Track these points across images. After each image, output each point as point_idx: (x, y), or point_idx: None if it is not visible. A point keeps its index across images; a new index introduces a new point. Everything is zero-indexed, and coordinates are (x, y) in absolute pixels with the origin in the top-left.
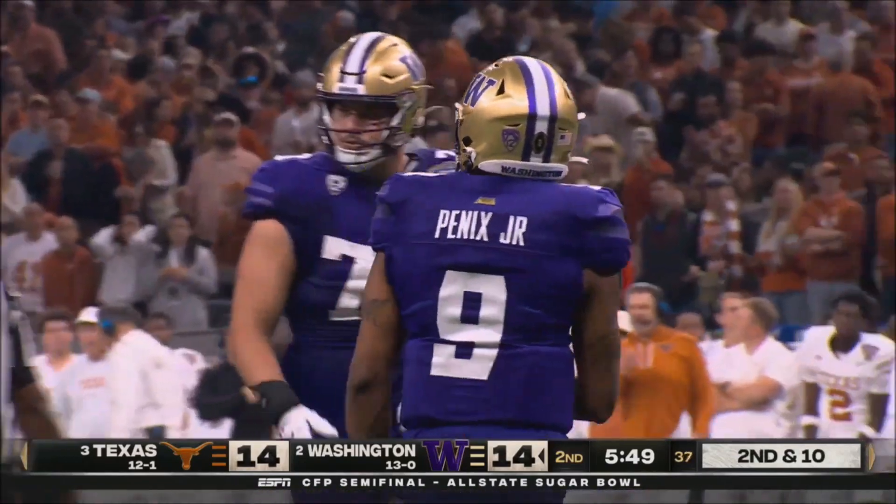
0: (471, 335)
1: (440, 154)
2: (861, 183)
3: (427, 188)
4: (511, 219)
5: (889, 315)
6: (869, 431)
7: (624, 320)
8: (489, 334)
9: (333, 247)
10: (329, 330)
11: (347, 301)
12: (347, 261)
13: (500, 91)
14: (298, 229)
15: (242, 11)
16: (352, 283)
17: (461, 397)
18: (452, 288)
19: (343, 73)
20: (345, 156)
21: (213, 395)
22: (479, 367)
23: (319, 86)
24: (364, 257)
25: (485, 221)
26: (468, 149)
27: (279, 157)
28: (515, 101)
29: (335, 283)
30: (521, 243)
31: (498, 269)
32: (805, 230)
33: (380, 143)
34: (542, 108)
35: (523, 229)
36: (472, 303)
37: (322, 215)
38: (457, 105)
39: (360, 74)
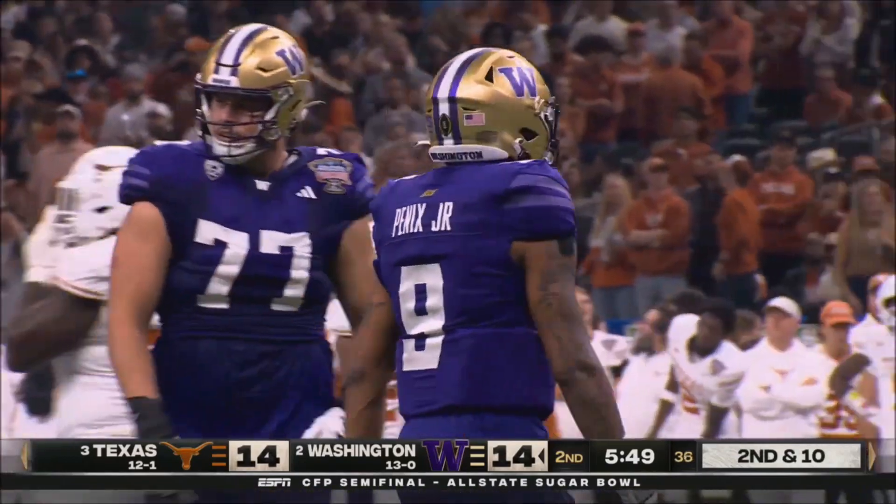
0: (422, 326)
1: (321, 150)
2: (690, 178)
3: (395, 191)
4: (440, 206)
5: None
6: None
7: None
8: (435, 323)
9: (207, 231)
10: (196, 319)
11: (217, 287)
12: (220, 245)
13: None
14: (173, 213)
15: (71, 5)
16: (222, 269)
17: (421, 389)
18: (406, 283)
19: (218, 64)
20: (219, 148)
21: (42, 389)
22: (431, 357)
23: (198, 76)
24: (237, 243)
25: (420, 213)
26: None
27: (158, 143)
28: (429, 90)
29: (206, 268)
30: (448, 228)
31: (433, 257)
32: (632, 227)
33: (254, 136)
34: (442, 91)
35: (449, 214)
36: (420, 295)
37: (197, 199)
38: None
39: (234, 67)
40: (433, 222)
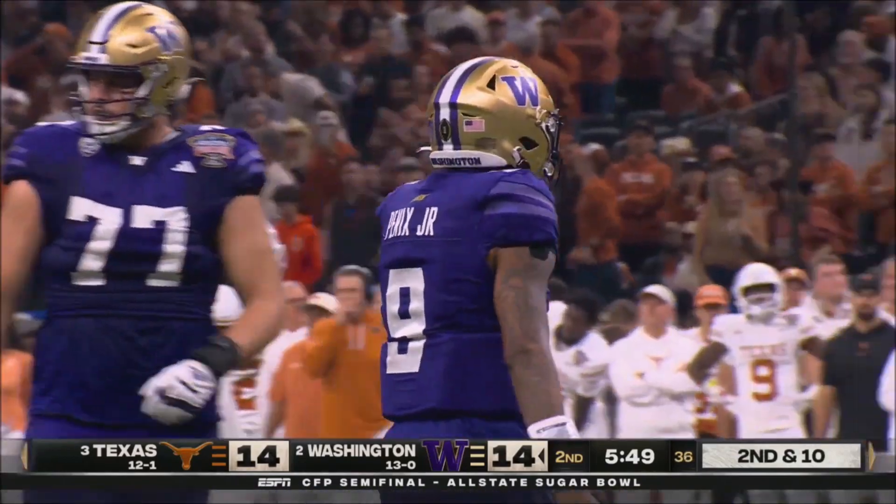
0: (405, 330)
1: (204, 127)
2: None
3: (395, 194)
4: (427, 211)
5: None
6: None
7: (331, 303)
8: (416, 327)
9: (79, 207)
10: (73, 297)
11: (90, 263)
12: (92, 221)
13: None
14: (48, 191)
15: None
16: (94, 245)
17: (403, 392)
18: (393, 286)
19: (89, 42)
20: (93, 126)
21: None
22: (412, 361)
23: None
24: (109, 219)
25: (408, 216)
26: None
27: (42, 122)
28: (433, 95)
29: (78, 245)
30: (431, 233)
31: (416, 260)
32: None
33: (127, 113)
34: (444, 97)
35: (434, 219)
36: (404, 298)
37: (71, 177)
38: None
39: (103, 44)
40: (419, 226)
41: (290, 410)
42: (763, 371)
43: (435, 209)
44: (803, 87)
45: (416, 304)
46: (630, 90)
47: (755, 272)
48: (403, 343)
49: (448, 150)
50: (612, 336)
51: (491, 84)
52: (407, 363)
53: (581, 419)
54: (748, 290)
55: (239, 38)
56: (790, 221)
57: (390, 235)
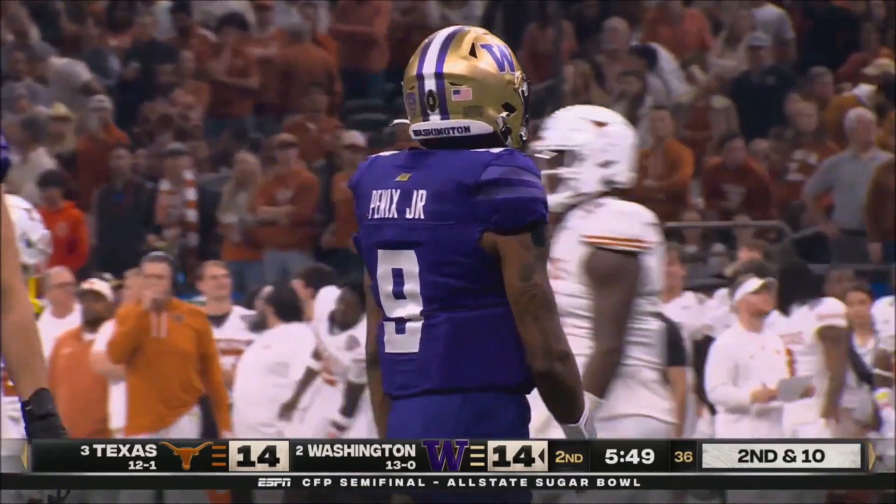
0: (401, 311)
1: None
2: (320, 153)
3: (371, 168)
4: (414, 193)
5: None
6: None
7: (105, 288)
8: (413, 308)
9: None
10: None
11: None
12: None
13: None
14: None
15: None
16: None
17: (402, 371)
18: (384, 266)
19: None
20: None
21: None
22: (411, 340)
23: None
24: None
25: (395, 198)
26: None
27: None
28: (410, 67)
29: None
30: (422, 216)
31: (408, 243)
32: (262, 203)
33: None
34: (428, 67)
35: (423, 202)
36: (397, 279)
37: None
38: None
39: None
40: (407, 209)
41: (61, 396)
42: None
43: (423, 192)
44: (569, 74)
45: (411, 286)
46: (398, 77)
47: None
48: (401, 324)
49: (436, 121)
50: None
51: (472, 52)
52: (406, 343)
53: (351, 406)
54: None
55: (3, 22)
56: None
57: (375, 216)
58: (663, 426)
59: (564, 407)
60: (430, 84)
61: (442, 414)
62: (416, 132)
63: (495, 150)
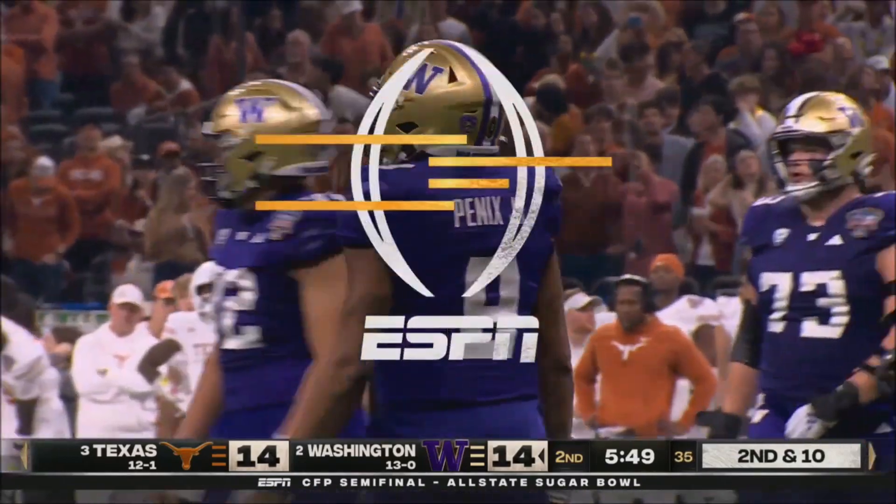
0: (494, 316)
1: None
2: None
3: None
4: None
5: None
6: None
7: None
8: (507, 314)
9: None
10: None
11: None
12: None
13: (452, 78)
14: None
15: None
16: None
17: (491, 378)
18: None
19: None
20: None
21: None
22: (505, 348)
23: None
24: None
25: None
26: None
27: None
28: (472, 89)
29: None
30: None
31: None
32: None
33: None
34: (496, 94)
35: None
36: (492, 284)
37: None
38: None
39: None
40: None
41: None
42: None
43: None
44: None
45: (508, 293)
46: (76, 86)
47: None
48: (492, 331)
49: (486, 146)
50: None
51: None
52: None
53: (26, 425)
54: (202, 289)
55: None
56: None
57: (473, 224)
58: None
59: (570, 413)
60: (494, 111)
61: (536, 419)
62: (461, 153)
63: None
